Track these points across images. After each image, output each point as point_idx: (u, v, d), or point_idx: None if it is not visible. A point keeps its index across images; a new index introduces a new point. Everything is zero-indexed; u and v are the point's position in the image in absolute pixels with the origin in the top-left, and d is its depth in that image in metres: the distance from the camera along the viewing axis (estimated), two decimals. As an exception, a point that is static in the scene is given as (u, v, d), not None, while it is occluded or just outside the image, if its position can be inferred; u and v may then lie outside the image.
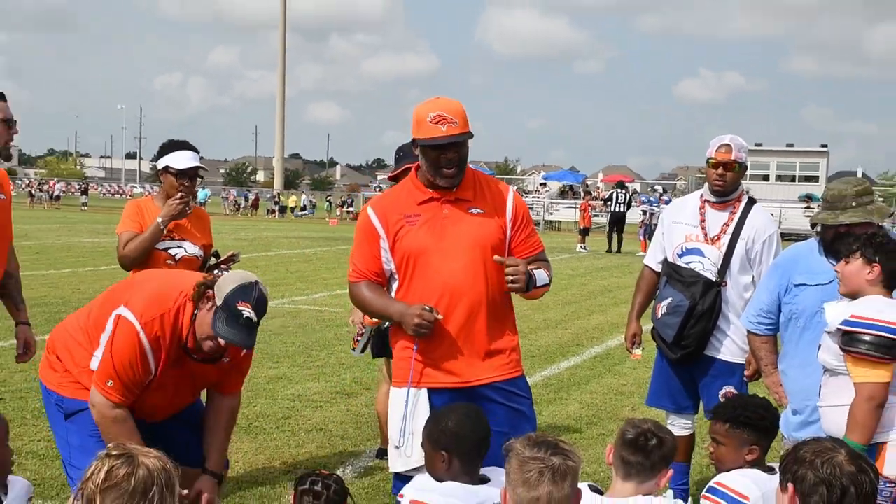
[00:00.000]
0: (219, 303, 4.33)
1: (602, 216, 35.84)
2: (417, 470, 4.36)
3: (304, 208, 63.36)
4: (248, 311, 4.25)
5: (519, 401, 4.69)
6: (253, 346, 4.45)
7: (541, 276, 4.72)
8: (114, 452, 3.19)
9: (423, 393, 4.57)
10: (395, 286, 4.72)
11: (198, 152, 6.27)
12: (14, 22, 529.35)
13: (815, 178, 44.63)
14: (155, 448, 3.26)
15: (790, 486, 3.05)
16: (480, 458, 3.98)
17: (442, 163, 4.55)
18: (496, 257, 4.59)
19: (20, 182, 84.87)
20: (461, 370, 4.59)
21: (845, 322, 4.28)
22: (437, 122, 4.48)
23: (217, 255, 6.42)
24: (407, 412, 4.58)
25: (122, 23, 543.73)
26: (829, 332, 4.43)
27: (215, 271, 6.27)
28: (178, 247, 6.00)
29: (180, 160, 6.06)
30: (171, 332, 4.44)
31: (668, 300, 5.96)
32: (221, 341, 4.34)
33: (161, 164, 6.20)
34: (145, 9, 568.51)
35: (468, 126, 4.56)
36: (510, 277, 4.55)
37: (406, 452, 4.55)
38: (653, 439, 3.87)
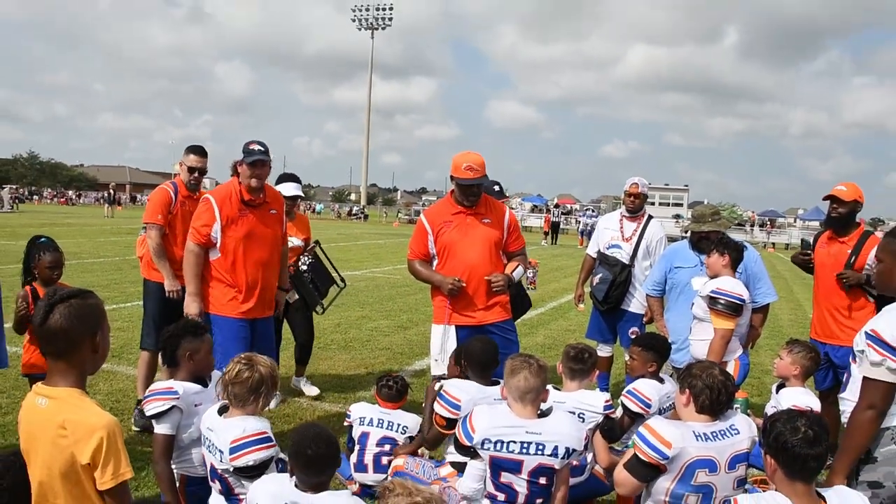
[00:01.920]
0: (242, 156, 4.41)
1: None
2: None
3: (360, 214, 62.19)
4: (256, 145, 4.38)
5: (509, 333, 4.63)
6: (266, 161, 4.40)
7: (518, 273, 4.65)
8: (242, 360, 3.10)
9: (452, 328, 4.51)
10: (435, 263, 4.65)
11: (300, 182, 5.88)
12: (215, 109, 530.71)
13: (680, 205, 44.41)
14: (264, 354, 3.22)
15: (687, 390, 2.99)
16: (489, 370, 3.84)
17: (469, 193, 4.51)
18: (486, 277, 4.48)
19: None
20: (475, 314, 4.54)
21: (712, 292, 4.34)
22: (468, 170, 4.42)
23: (318, 243, 6.18)
24: (443, 339, 4.53)
25: (274, 107, 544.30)
26: (701, 296, 4.42)
27: (304, 255, 6.04)
28: (289, 239, 5.68)
29: (287, 189, 5.83)
30: (233, 190, 4.43)
31: (600, 275, 5.92)
32: (256, 171, 4.34)
33: (278, 188, 5.99)
34: (291, 100, 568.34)
35: (485, 171, 4.48)
36: (496, 288, 4.49)
37: (441, 363, 4.50)
38: (586, 353, 3.90)
